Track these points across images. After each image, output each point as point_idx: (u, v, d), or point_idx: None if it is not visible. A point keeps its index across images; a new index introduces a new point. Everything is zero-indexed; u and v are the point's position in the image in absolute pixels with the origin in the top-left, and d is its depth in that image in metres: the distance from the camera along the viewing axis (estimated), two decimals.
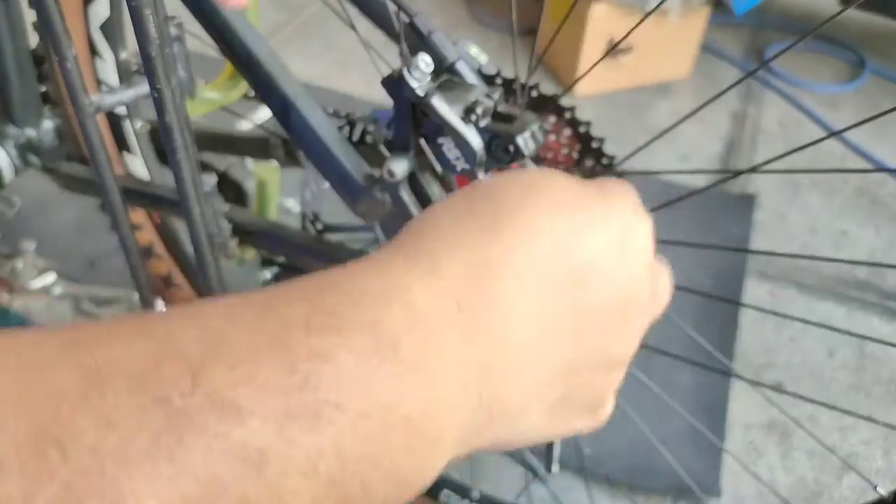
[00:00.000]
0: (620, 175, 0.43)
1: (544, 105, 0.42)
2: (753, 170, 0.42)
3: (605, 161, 0.43)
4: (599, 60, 0.40)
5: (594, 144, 0.42)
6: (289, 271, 0.52)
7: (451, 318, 0.19)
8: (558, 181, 0.23)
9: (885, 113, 0.33)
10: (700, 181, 1.48)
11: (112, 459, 0.13)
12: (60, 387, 0.14)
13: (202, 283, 0.45)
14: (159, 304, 0.56)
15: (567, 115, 0.42)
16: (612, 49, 0.41)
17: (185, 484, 0.13)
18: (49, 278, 1.24)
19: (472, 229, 0.20)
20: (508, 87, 0.43)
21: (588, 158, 0.43)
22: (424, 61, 0.35)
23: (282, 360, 0.16)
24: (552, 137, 0.43)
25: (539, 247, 0.20)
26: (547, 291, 0.20)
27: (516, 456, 0.97)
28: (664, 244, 0.45)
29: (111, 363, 0.15)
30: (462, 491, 0.68)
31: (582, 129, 0.42)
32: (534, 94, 0.42)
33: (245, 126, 0.90)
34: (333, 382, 0.16)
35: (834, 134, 0.35)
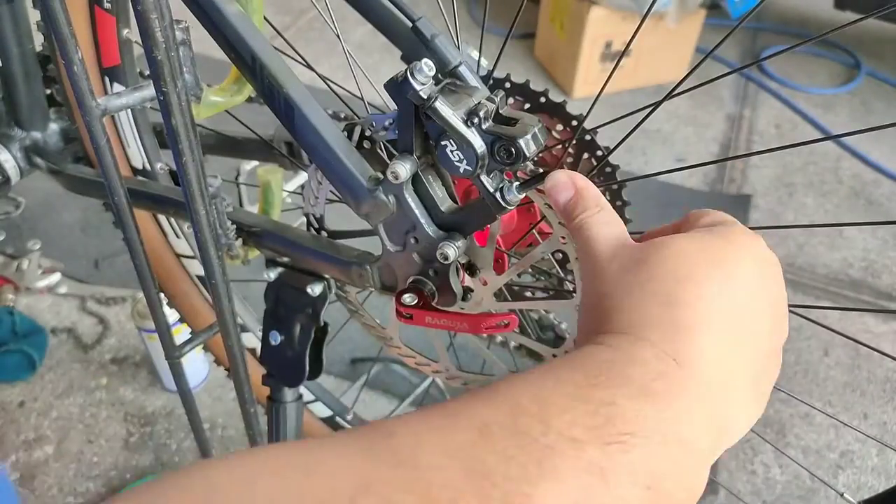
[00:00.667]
0: (615, 174, 0.44)
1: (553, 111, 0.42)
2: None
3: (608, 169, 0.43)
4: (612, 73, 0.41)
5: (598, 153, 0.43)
6: (293, 272, 0.53)
7: (670, 367, 0.26)
8: (696, 249, 0.30)
9: (888, 125, 0.34)
10: (696, 182, 1.49)
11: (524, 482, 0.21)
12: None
13: (208, 284, 0.45)
14: (164, 304, 0.56)
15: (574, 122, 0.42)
16: (618, 61, 0.42)
17: (567, 491, 0.21)
18: (54, 278, 1.24)
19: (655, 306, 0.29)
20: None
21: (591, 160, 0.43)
22: (427, 65, 0.35)
23: (585, 408, 0.24)
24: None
25: (714, 304, 0.29)
26: (729, 331, 0.29)
27: None
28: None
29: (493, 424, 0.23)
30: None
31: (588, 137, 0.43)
32: (542, 100, 0.43)
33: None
34: (622, 419, 0.24)
35: (830, 138, 0.36)
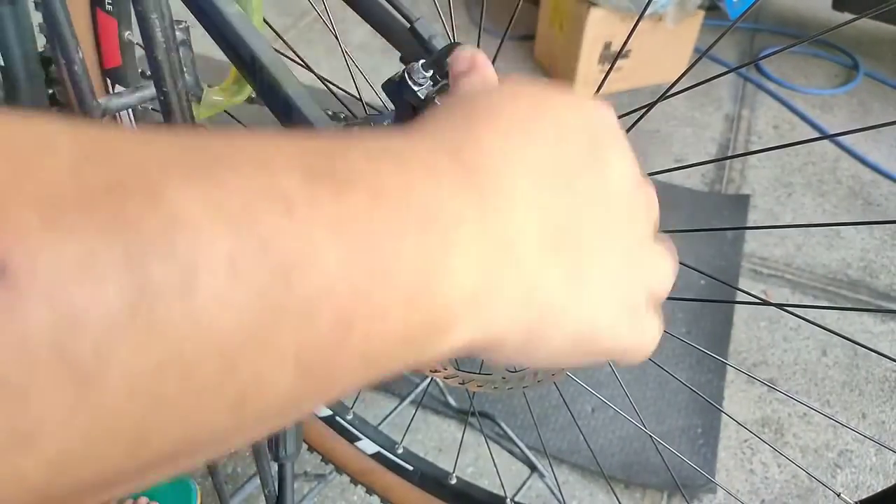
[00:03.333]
0: None
1: None
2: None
3: None
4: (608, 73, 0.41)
5: None
6: None
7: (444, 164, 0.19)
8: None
9: (886, 124, 0.34)
10: (694, 182, 1.50)
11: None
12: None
13: None
14: None
15: None
16: (614, 60, 0.42)
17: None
18: None
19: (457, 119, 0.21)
20: None
21: None
22: (425, 66, 0.36)
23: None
24: None
25: (518, 112, 0.22)
26: (531, 146, 0.21)
27: (516, 452, 0.98)
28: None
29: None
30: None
31: None
32: None
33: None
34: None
35: (827, 136, 0.36)
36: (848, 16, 1.83)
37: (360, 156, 0.18)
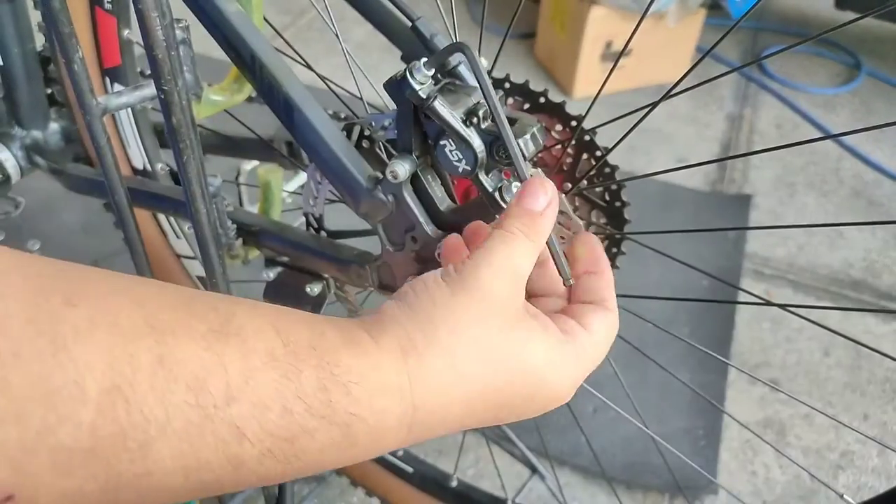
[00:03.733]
0: (615, 173, 0.44)
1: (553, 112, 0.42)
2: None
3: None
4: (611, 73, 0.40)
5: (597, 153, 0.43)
6: (292, 271, 0.53)
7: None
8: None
9: (889, 124, 0.33)
10: (697, 182, 1.49)
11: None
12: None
13: (208, 283, 0.45)
14: None
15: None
16: (616, 60, 0.42)
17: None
18: None
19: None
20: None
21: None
22: (426, 65, 0.35)
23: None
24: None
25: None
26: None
27: (517, 453, 0.97)
28: (664, 232, 0.45)
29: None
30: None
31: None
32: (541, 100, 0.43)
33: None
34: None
35: (830, 136, 0.36)
36: (850, 14, 1.83)
37: None
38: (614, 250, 0.45)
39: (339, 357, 0.26)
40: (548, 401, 0.31)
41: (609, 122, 0.44)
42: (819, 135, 1.64)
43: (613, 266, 0.45)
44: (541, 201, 0.32)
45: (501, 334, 0.29)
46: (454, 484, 0.74)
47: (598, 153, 0.43)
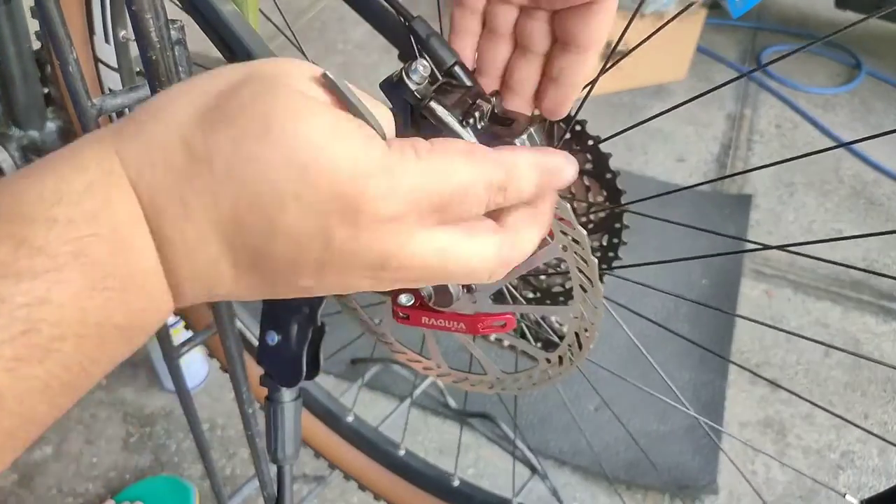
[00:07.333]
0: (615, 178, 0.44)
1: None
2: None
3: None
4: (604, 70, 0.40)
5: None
6: None
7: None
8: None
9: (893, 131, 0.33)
10: (697, 181, 1.49)
11: None
12: None
13: None
14: None
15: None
16: (617, 60, 0.42)
17: None
18: None
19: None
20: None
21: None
22: (423, 64, 0.35)
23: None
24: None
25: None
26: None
27: (516, 453, 0.97)
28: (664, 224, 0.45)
29: None
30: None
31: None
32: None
33: None
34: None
35: (842, 145, 0.36)
36: (850, 13, 1.82)
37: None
38: (616, 225, 0.45)
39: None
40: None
41: (618, 133, 0.44)
42: (819, 134, 1.64)
43: (620, 242, 0.45)
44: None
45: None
46: (456, 483, 0.74)
47: (591, 142, 0.43)
